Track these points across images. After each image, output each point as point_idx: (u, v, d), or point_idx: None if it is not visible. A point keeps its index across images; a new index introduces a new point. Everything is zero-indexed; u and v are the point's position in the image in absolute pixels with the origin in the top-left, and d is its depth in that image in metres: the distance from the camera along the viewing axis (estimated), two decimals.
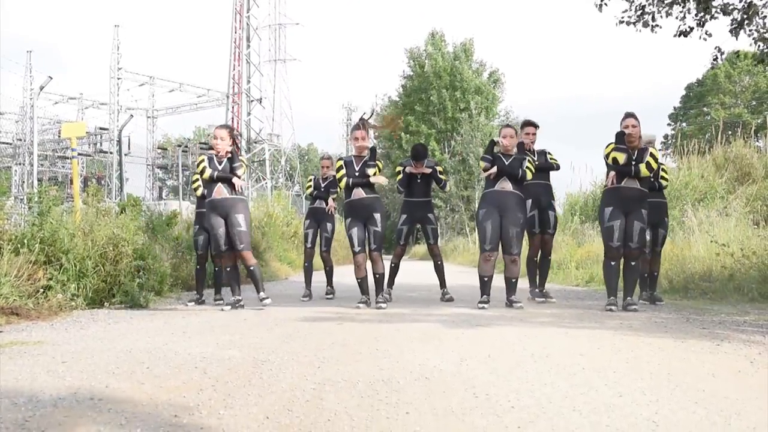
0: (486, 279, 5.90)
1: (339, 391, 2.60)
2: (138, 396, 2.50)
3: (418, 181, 6.70)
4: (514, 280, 5.87)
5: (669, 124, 44.31)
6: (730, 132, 15.76)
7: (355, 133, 6.13)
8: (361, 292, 6.09)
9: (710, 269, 6.87)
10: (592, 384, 2.67)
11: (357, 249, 5.98)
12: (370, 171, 6.01)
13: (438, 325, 4.64)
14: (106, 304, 5.88)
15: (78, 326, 4.60)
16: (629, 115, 5.56)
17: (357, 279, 6.11)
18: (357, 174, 6.00)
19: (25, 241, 5.57)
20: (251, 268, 5.96)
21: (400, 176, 6.75)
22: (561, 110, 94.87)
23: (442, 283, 6.83)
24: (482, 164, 5.90)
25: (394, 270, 6.90)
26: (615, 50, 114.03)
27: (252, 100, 35.28)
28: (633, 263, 5.60)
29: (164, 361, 3.21)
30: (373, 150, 6.09)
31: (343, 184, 6.02)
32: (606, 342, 3.78)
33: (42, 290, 5.38)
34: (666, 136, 40.18)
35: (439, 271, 6.84)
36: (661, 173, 6.19)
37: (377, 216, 6.02)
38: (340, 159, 6.20)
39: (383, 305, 5.85)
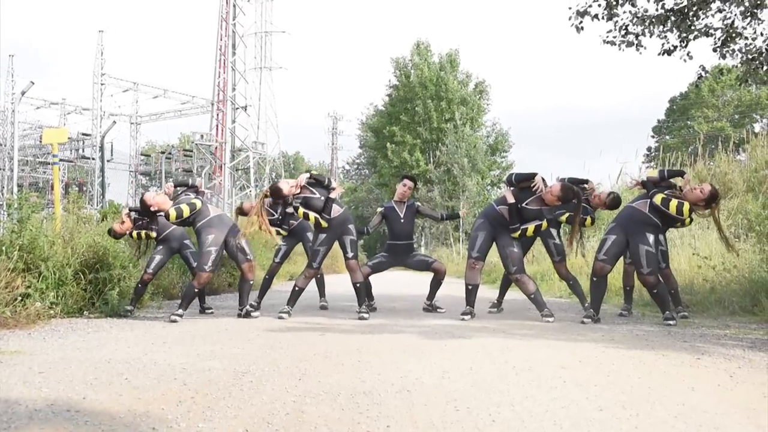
0: (471, 287, 5.87)
1: (320, 403, 2.60)
2: (116, 408, 2.48)
3: (402, 221, 6.61)
4: (531, 296, 5.75)
5: (653, 137, 44.79)
6: (712, 145, 15.95)
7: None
8: (288, 301, 6.04)
9: (692, 282, 6.93)
10: (573, 397, 2.68)
11: (316, 265, 5.97)
12: (335, 184, 6.02)
13: (420, 336, 4.64)
14: (85, 312, 5.82)
15: (56, 335, 4.55)
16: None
17: (296, 287, 6.03)
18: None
19: (4, 248, 5.50)
20: (251, 281, 6.02)
21: (376, 220, 6.74)
22: (545, 120, 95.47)
23: (431, 295, 6.78)
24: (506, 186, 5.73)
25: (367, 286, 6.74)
26: (601, 61, 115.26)
27: (237, 108, 35.18)
28: (655, 291, 5.40)
29: (143, 371, 3.19)
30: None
31: (312, 219, 5.82)
32: (587, 355, 3.80)
33: (20, 298, 5.31)
34: (649, 149, 40.59)
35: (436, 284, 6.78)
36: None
37: (351, 226, 6.02)
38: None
39: (366, 315, 5.84)
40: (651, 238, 5.36)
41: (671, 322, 5.32)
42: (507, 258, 5.75)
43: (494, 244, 5.87)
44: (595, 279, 5.61)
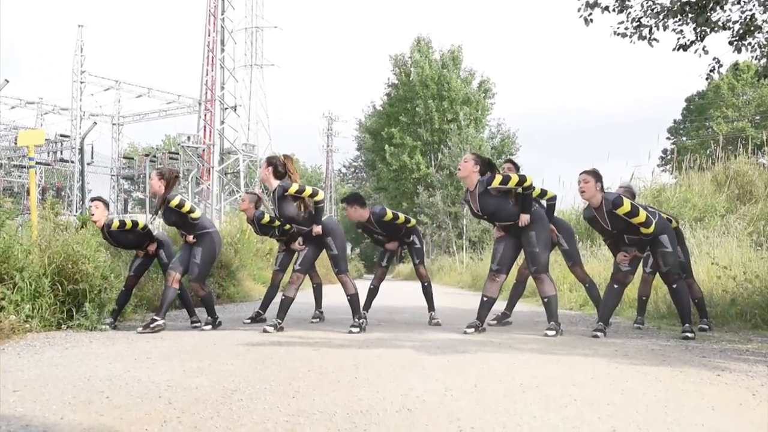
0: (485, 299, 5.80)
1: (314, 423, 2.59)
2: (96, 428, 2.47)
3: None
4: (546, 300, 5.75)
5: (668, 138, 44.86)
6: (730, 147, 15.98)
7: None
8: (277, 314, 6.02)
9: (711, 293, 6.91)
10: (585, 417, 2.68)
11: (298, 267, 6.07)
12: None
13: (422, 351, 4.63)
14: (63, 326, 5.81)
15: (32, 351, 4.53)
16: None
17: (284, 296, 6.06)
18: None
19: None
20: (204, 293, 6.35)
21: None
22: (554, 122, 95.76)
23: (430, 306, 6.86)
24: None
25: (373, 293, 6.90)
26: (608, 59, 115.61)
27: (226, 108, 35.24)
28: (674, 286, 5.61)
29: (125, 390, 3.18)
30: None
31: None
32: (600, 371, 3.79)
33: None
34: (665, 151, 40.65)
35: (427, 293, 6.90)
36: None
37: (329, 239, 6.03)
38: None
39: (354, 329, 5.85)
40: (665, 239, 5.52)
41: (689, 335, 5.35)
42: (526, 257, 5.86)
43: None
44: (616, 287, 5.75)
